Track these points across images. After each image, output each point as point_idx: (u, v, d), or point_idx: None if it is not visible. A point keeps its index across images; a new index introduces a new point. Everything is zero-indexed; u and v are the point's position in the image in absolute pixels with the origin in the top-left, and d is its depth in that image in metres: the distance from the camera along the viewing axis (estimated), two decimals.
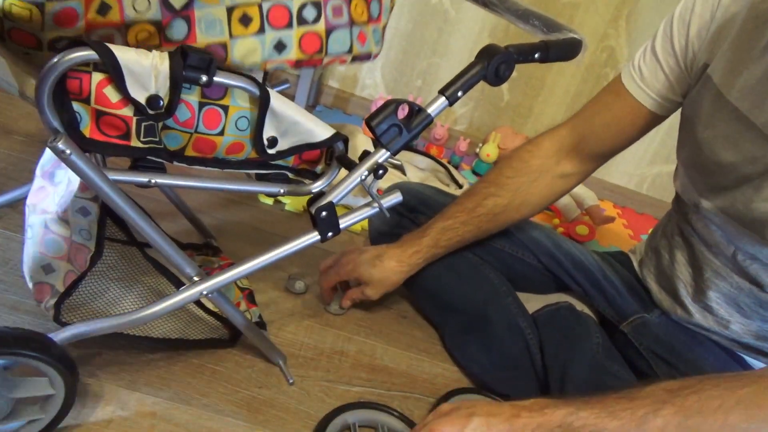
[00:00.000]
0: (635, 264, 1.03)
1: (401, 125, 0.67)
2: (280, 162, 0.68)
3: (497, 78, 0.70)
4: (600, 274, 1.00)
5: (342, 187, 0.69)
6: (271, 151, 0.65)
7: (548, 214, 1.60)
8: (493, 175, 0.96)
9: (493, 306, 0.95)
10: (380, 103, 0.72)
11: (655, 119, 0.88)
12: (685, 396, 0.62)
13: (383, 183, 1.29)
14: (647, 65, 0.85)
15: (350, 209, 0.74)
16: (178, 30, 0.56)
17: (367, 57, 0.68)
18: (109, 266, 0.77)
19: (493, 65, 0.68)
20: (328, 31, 0.63)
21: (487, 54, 0.68)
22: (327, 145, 0.67)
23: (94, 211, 0.70)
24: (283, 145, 0.65)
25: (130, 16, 0.54)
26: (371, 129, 0.67)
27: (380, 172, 0.69)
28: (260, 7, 0.58)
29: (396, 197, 0.74)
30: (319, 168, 0.72)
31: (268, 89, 0.61)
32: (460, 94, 0.69)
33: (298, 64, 0.64)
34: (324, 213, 0.69)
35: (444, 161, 1.61)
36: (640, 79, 0.86)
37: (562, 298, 1.01)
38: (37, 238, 0.67)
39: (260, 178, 0.70)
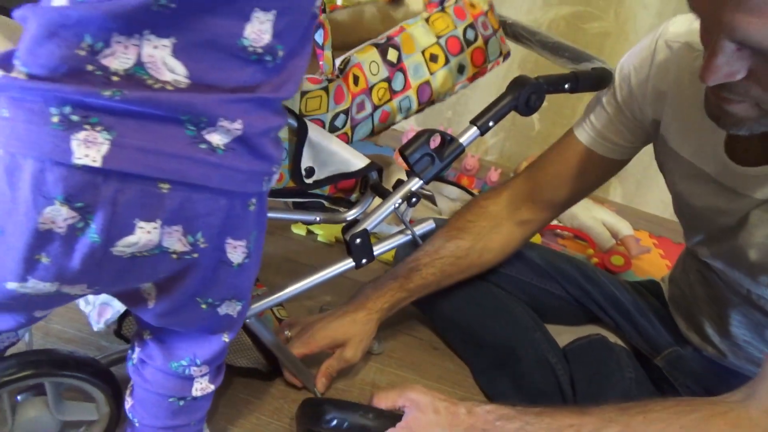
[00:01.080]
0: (666, 294, 1.01)
1: (433, 154, 0.69)
2: (316, 191, 0.70)
3: (528, 108, 0.71)
4: (632, 305, 0.98)
5: (376, 214, 0.71)
6: (308, 181, 0.67)
7: (582, 245, 1.58)
8: (454, 219, 0.96)
9: (521, 341, 0.93)
10: (411, 134, 0.74)
11: (608, 164, 0.88)
12: (632, 415, 0.62)
13: (414, 213, 1.31)
14: (595, 113, 0.86)
15: (382, 237, 0.75)
16: (398, 82, 0.74)
17: (507, 55, 0.85)
18: None
19: (523, 96, 0.70)
20: (486, 41, 0.80)
21: (518, 85, 0.70)
22: (362, 174, 0.69)
23: None
24: (320, 174, 0.67)
25: (372, 81, 0.71)
26: (404, 158, 0.69)
27: (413, 200, 0.71)
28: (438, 43, 0.75)
29: (429, 225, 0.75)
30: (353, 196, 0.74)
31: (306, 121, 0.63)
32: (491, 124, 0.71)
33: (473, 77, 0.81)
34: (358, 240, 0.71)
35: (475, 192, 1.61)
36: (589, 126, 0.86)
37: (593, 330, 0.99)
38: None
39: (297, 207, 0.72)
